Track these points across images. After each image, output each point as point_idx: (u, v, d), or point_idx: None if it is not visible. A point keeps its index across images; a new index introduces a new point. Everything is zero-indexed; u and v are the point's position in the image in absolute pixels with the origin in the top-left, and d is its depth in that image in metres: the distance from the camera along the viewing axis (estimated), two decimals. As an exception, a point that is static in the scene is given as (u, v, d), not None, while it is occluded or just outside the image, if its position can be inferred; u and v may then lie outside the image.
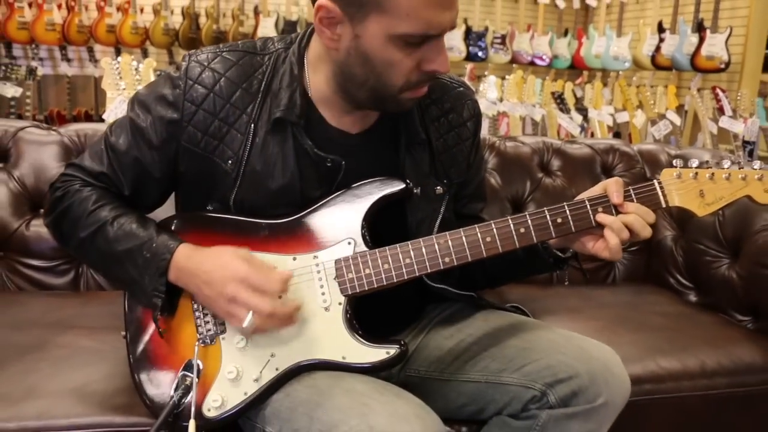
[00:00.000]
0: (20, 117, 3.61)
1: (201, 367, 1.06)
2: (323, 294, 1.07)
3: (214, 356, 1.07)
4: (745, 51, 4.56)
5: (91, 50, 4.73)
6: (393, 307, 1.17)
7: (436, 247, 1.07)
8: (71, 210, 1.11)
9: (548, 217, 1.07)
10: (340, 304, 1.07)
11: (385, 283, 1.07)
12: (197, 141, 1.10)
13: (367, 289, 1.07)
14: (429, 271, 1.07)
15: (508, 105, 3.72)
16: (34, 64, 4.25)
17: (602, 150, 2.07)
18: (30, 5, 4.41)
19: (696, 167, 1.09)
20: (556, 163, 2.04)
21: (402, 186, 1.11)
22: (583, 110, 3.91)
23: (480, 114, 1.29)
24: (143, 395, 1.10)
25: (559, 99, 3.83)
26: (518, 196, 1.98)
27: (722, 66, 4.46)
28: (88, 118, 4.67)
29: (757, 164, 1.09)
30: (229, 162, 1.10)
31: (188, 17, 4.78)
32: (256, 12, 4.93)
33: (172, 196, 1.24)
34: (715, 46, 4.46)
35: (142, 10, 4.69)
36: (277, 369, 1.06)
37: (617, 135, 4.24)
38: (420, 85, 1.06)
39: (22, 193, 1.73)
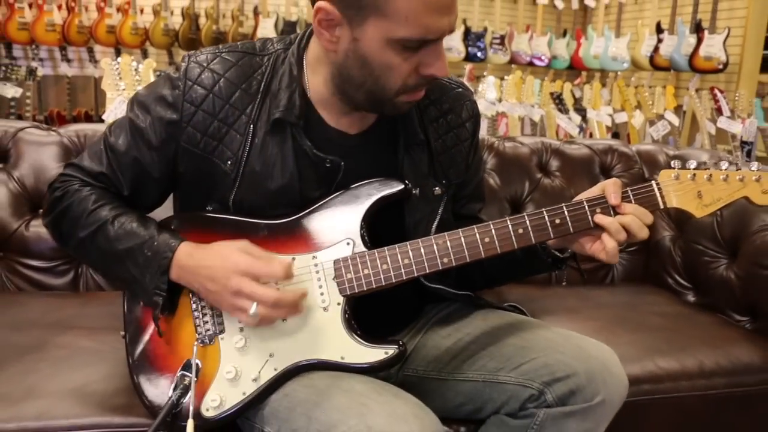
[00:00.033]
0: (20, 117, 3.62)
1: (200, 366, 1.06)
2: (322, 294, 1.07)
3: (212, 356, 1.07)
4: (743, 52, 4.57)
5: (91, 51, 4.73)
6: (391, 308, 1.18)
7: (435, 247, 1.07)
8: (71, 209, 1.11)
9: (546, 218, 1.07)
10: (338, 304, 1.07)
11: (383, 283, 1.07)
12: (196, 142, 1.11)
13: (365, 289, 1.07)
14: (427, 271, 1.07)
15: (506, 105, 3.72)
16: (34, 64, 4.26)
17: (601, 150, 2.08)
18: (30, 6, 4.41)
19: (694, 168, 1.09)
20: (554, 164, 2.04)
21: (401, 187, 1.11)
22: (581, 111, 3.91)
23: (479, 115, 1.29)
24: (142, 395, 1.10)
25: (558, 99, 3.83)
26: (517, 197, 1.98)
27: (720, 66, 4.46)
28: (88, 118, 4.67)
29: (754, 165, 1.09)
30: (229, 162, 1.11)
31: (188, 18, 4.78)
32: (256, 13, 4.93)
33: (170, 196, 1.24)
34: (713, 47, 4.46)
35: (142, 11, 4.70)
36: (275, 369, 1.06)
37: (616, 135, 4.24)
38: (417, 89, 1.07)
39: (22, 194, 1.74)
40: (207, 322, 1.09)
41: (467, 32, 5.14)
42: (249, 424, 1.09)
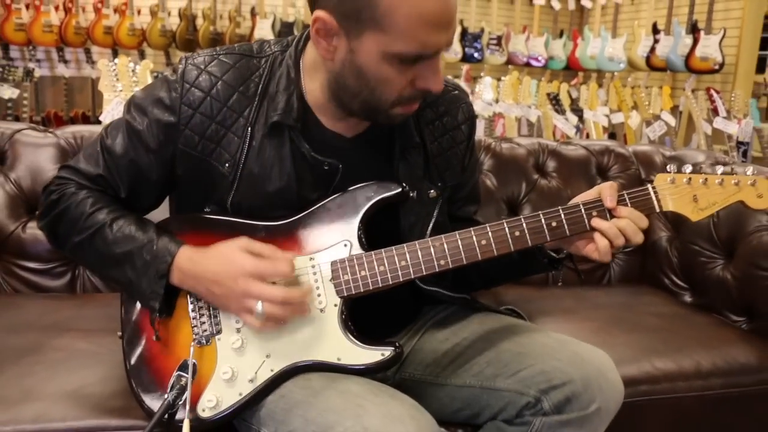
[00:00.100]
0: (17, 118, 3.62)
1: (196, 367, 1.06)
2: (319, 295, 1.08)
3: (209, 357, 1.08)
4: (739, 52, 4.58)
5: (88, 52, 4.73)
6: (388, 309, 1.18)
7: (432, 249, 1.07)
8: (68, 212, 1.11)
9: (543, 220, 1.08)
10: (335, 305, 1.07)
11: (380, 285, 1.07)
12: (194, 144, 1.11)
13: (362, 290, 1.07)
14: (424, 273, 1.07)
15: (503, 106, 3.73)
16: (31, 65, 4.25)
17: (597, 151, 2.08)
18: (27, 7, 4.41)
19: (690, 172, 1.09)
20: (551, 165, 2.04)
21: (399, 190, 1.11)
22: (578, 111, 3.92)
23: (474, 117, 1.29)
24: (139, 397, 1.10)
25: (555, 100, 3.84)
26: (514, 198, 1.98)
27: (716, 67, 4.47)
28: (85, 119, 4.67)
29: (749, 170, 1.09)
30: (226, 165, 1.11)
31: (185, 19, 4.78)
32: (253, 14, 4.93)
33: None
34: (709, 48, 4.48)
35: (139, 12, 4.69)
36: (272, 370, 1.06)
37: (612, 136, 4.25)
38: (412, 102, 1.07)
39: (19, 196, 1.73)
40: (204, 322, 1.09)
41: (464, 33, 5.15)
42: (245, 425, 1.09)
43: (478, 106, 3.59)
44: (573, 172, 2.03)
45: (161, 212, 1.22)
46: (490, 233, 1.07)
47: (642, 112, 4.06)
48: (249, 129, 1.11)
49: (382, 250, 1.08)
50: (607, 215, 1.08)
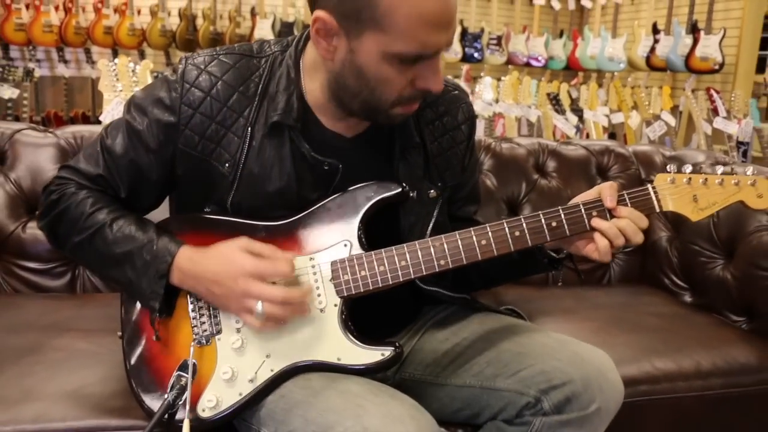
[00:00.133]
0: (17, 118, 3.62)
1: (196, 367, 1.06)
2: (319, 295, 1.08)
3: (209, 357, 1.08)
4: (739, 52, 4.58)
5: (88, 52, 4.73)
6: (388, 309, 1.18)
7: (432, 249, 1.07)
8: (68, 212, 1.11)
9: (543, 220, 1.08)
10: (335, 305, 1.07)
11: (380, 285, 1.07)
12: (194, 144, 1.11)
13: (362, 290, 1.07)
14: (424, 273, 1.07)
15: (503, 106, 3.73)
16: (31, 65, 4.25)
17: (597, 151, 2.08)
18: (27, 7, 4.41)
19: (690, 172, 1.09)
20: (551, 165, 2.04)
21: (399, 190, 1.11)
22: (578, 111, 3.92)
23: (474, 117, 1.29)
24: (139, 397, 1.10)
25: (555, 100, 3.84)
26: (514, 198, 1.98)
27: (716, 67, 4.48)
28: (85, 119, 4.67)
29: (749, 170, 1.09)
30: (227, 165, 1.11)
31: (185, 19, 4.78)
32: (253, 13, 4.94)
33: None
34: (709, 48, 4.48)
35: (139, 12, 4.69)
36: (272, 370, 1.06)
37: (612, 136, 4.25)
38: (412, 102, 1.07)
39: (19, 196, 1.74)
40: (204, 322, 1.09)
41: (464, 33, 5.15)
42: (245, 425, 1.09)
43: (478, 106, 3.60)
44: (573, 172, 2.03)
45: (161, 212, 1.22)
46: (490, 233, 1.07)
47: (642, 112, 4.06)
48: (249, 129, 1.11)
49: (382, 250, 1.08)
50: (607, 215, 1.08)
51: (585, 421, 1.07)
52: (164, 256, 1.06)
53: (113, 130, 1.15)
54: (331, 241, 1.09)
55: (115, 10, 4.63)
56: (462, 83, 4.42)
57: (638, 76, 5.16)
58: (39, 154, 1.76)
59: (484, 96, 3.69)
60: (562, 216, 1.08)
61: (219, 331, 1.08)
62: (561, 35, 5.44)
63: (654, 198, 1.09)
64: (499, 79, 3.86)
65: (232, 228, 1.11)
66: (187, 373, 1.04)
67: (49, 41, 4.47)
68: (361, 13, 0.96)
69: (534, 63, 5.31)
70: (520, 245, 1.08)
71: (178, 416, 1.03)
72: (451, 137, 1.24)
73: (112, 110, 2.46)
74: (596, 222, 1.08)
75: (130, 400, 1.12)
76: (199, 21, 4.84)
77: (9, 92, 3.57)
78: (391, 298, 1.11)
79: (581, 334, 1.30)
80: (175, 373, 1.06)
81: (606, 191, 1.09)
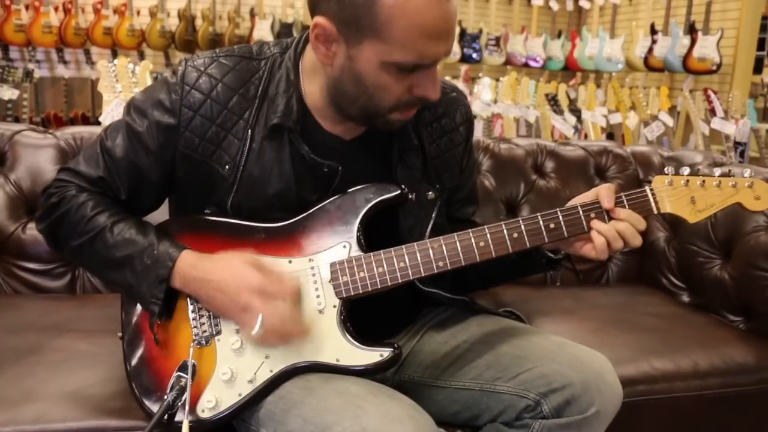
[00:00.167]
0: (17, 119, 3.62)
1: (196, 367, 1.07)
2: (318, 297, 1.08)
3: (209, 357, 1.08)
4: (737, 53, 4.59)
5: (87, 52, 4.73)
6: (387, 310, 1.18)
7: (430, 251, 1.08)
8: (68, 216, 1.11)
9: (541, 222, 1.08)
10: (334, 306, 1.08)
11: (379, 286, 1.08)
12: (194, 146, 1.11)
13: (361, 292, 1.08)
14: (423, 274, 1.08)
15: (502, 106, 3.73)
16: (31, 66, 4.25)
17: (596, 152, 2.08)
18: (27, 8, 4.41)
19: (687, 174, 1.10)
20: (549, 165, 2.05)
21: (398, 192, 1.12)
22: (576, 112, 3.93)
23: (472, 119, 1.30)
24: (139, 398, 1.10)
25: (553, 100, 3.85)
26: (512, 198, 1.99)
27: (714, 68, 4.49)
28: (85, 120, 4.67)
29: (747, 171, 1.10)
30: (227, 167, 1.11)
31: (184, 20, 4.79)
32: (252, 14, 4.94)
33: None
34: (706, 48, 4.49)
35: (138, 13, 4.70)
36: (271, 371, 1.06)
37: (610, 136, 4.26)
38: (409, 108, 1.08)
39: (18, 197, 1.74)
40: (204, 323, 1.09)
41: (463, 34, 5.16)
42: (245, 426, 1.09)
43: (476, 107, 3.60)
44: (571, 172, 2.04)
45: (161, 214, 1.22)
46: (488, 235, 1.08)
47: (640, 113, 4.07)
48: (249, 131, 1.11)
49: (381, 251, 1.08)
50: (605, 217, 1.09)
51: (584, 424, 1.08)
52: (165, 260, 1.06)
53: (113, 132, 1.15)
54: (331, 243, 1.10)
55: (115, 11, 4.63)
56: (460, 84, 4.43)
57: (636, 76, 5.16)
58: (39, 155, 1.76)
59: (482, 96, 3.70)
60: (560, 218, 1.08)
61: (218, 332, 1.09)
62: (559, 36, 5.44)
63: (652, 200, 1.10)
64: (497, 80, 3.87)
65: (231, 230, 1.11)
66: (187, 374, 1.05)
67: (49, 42, 4.47)
68: (361, 21, 0.97)
69: (532, 63, 5.32)
70: (518, 247, 1.08)
71: (178, 417, 1.04)
72: (450, 139, 1.24)
73: (111, 111, 2.46)
74: (596, 224, 1.08)
75: (129, 401, 1.12)
76: (198, 22, 4.84)
77: (9, 93, 3.57)
78: (390, 299, 1.11)
79: (579, 334, 1.31)
80: (175, 374, 1.06)
81: (603, 193, 1.09)
